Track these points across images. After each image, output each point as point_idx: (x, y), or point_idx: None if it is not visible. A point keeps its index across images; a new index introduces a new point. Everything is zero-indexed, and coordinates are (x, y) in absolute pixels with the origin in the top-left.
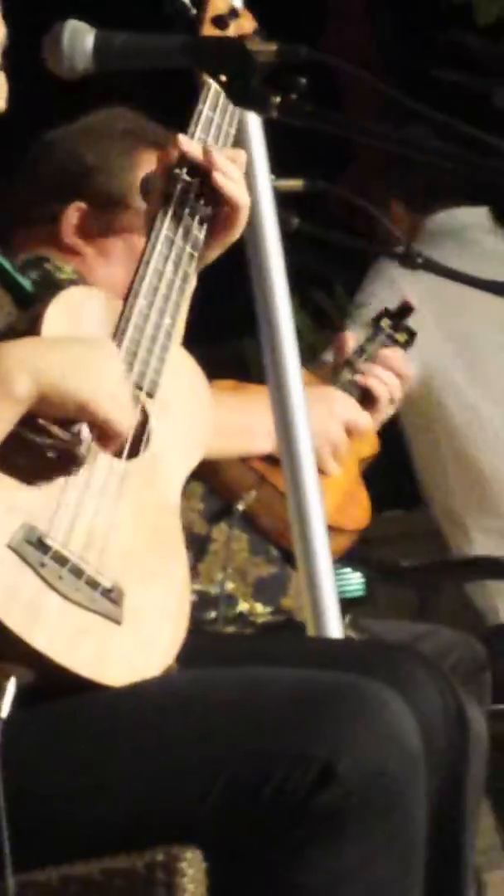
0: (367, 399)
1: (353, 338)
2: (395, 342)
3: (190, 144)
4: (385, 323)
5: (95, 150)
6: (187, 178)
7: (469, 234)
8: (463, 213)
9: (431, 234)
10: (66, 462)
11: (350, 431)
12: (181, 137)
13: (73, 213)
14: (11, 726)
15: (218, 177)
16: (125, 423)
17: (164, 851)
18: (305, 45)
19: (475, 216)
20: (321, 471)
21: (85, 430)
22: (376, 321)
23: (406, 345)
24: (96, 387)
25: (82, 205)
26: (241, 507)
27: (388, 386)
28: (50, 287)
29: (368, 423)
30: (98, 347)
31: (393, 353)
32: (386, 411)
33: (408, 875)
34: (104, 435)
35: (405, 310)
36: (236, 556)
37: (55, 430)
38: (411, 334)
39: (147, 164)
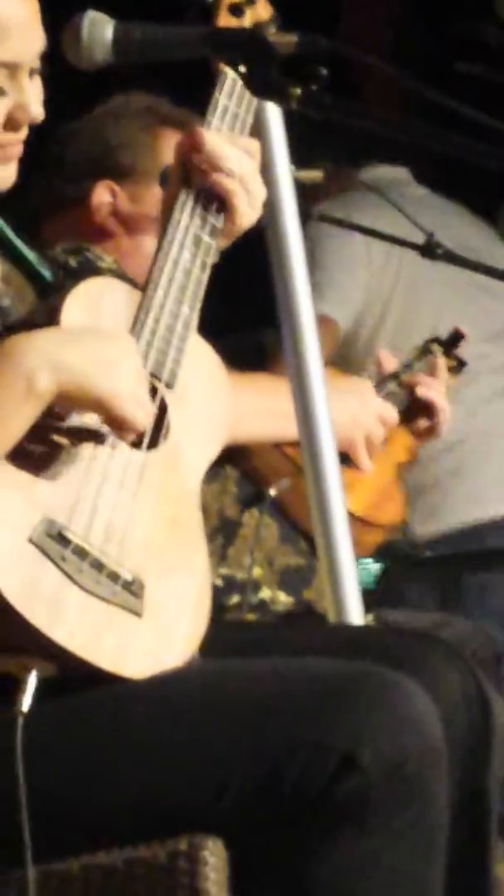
0: (410, 412)
1: (388, 356)
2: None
3: (206, 139)
4: (435, 348)
5: (117, 128)
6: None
7: (401, 186)
8: (388, 169)
9: (367, 186)
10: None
11: (385, 425)
12: (198, 131)
13: (103, 192)
14: (32, 719)
15: (221, 180)
16: (141, 419)
17: (187, 841)
18: (323, 35)
19: (401, 172)
20: (355, 465)
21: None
22: (426, 346)
23: (455, 370)
24: (115, 384)
25: (111, 183)
26: (273, 492)
27: (436, 391)
28: (90, 273)
29: (394, 415)
30: (117, 343)
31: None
32: (433, 421)
33: (429, 864)
34: (119, 430)
35: (456, 337)
36: (265, 542)
37: (72, 422)
38: (461, 363)
39: (169, 141)
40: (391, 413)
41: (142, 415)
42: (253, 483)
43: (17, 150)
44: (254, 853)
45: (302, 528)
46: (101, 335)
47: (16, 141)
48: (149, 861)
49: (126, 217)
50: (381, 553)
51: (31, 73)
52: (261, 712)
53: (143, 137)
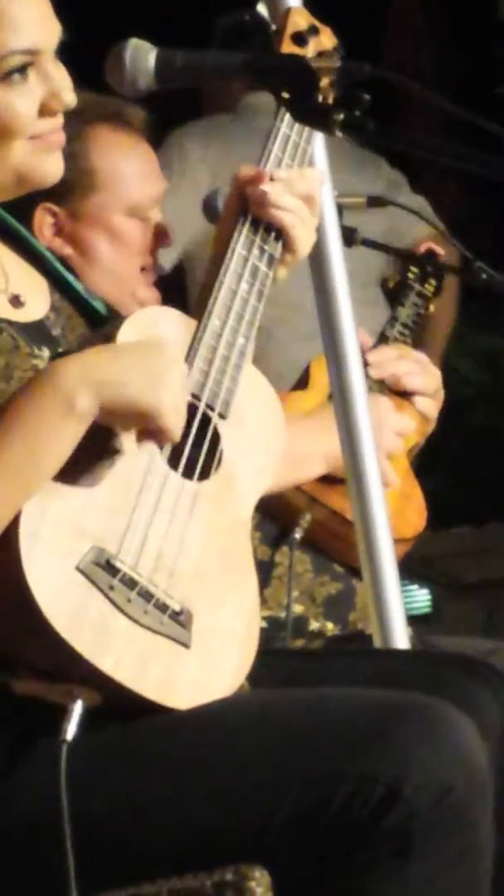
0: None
1: (364, 335)
2: (425, 297)
3: (268, 182)
4: (412, 276)
5: None
6: None
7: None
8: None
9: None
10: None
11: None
12: (260, 171)
13: (43, 216)
14: (77, 748)
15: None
16: (179, 432)
17: (233, 871)
18: (365, 58)
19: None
20: (385, 483)
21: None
22: (403, 275)
23: (436, 294)
24: (159, 397)
25: (49, 204)
26: (298, 535)
27: (414, 376)
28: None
29: (412, 426)
30: (159, 354)
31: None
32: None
33: (475, 893)
34: (157, 440)
35: (428, 257)
36: (302, 578)
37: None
38: (440, 280)
39: (98, 139)
40: (408, 424)
41: (180, 426)
42: (274, 523)
43: (59, 138)
44: (300, 883)
45: (330, 556)
46: (141, 348)
47: (54, 128)
48: (195, 891)
49: (70, 235)
50: (425, 577)
51: (54, 59)
52: (306, 743)
53: (73, 148)
